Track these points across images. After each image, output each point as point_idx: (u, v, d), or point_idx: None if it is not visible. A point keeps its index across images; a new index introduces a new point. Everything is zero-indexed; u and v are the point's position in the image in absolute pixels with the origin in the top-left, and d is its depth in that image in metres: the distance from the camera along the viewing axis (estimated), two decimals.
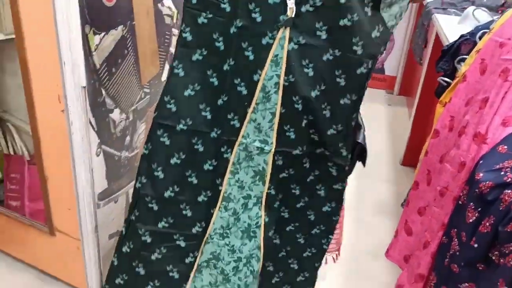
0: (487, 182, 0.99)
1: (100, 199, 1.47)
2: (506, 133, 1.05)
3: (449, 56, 1.62)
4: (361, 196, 2.36)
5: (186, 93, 1.20)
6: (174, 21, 1.75)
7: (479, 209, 1.01)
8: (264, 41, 1.15)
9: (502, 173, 0.99)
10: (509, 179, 0.96)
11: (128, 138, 1.58)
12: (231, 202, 1.28)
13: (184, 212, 1.28)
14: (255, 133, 1.23)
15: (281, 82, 1.17)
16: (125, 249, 1.30)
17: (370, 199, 2.35)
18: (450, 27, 2.07)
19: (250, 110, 1.20)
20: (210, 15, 1.15)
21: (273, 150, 1.23)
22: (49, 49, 1.25)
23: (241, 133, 1.22)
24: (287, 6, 1.11)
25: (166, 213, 1.27)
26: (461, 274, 1.08)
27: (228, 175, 1.26)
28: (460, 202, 1.11)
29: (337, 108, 1.19)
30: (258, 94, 1.19)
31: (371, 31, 1.13)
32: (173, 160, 1.23)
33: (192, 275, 1.34)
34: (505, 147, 1.03)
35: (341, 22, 1.11)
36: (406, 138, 2.67)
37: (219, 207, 1.28)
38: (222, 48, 1.17)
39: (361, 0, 1.10)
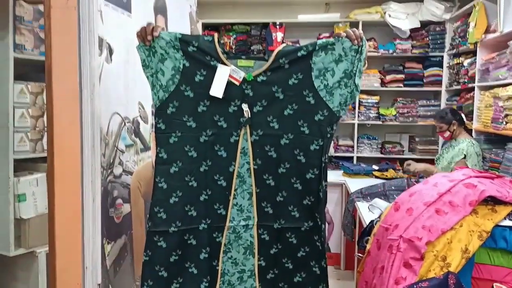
0: None
1: None
2: None
3: (363, 237, 2.22)
4: None
5: (171, 201, 1.46)
6: None
7: None
8: (232, 140, 1.48)
9: None
10: None
11: None
12: (226, 276, 1.49)
13: None
14: (238, 215, 1.50)
15: (252, 167, 1.48)
16: None
17: None
18: (366, 213, 2.74)
19: (231, 197, 1.49)
20: (180, 134, 1.46)
21: (255, 223, 1.49)
22: (74, 257, 1.70)
23: (228, 218, 1.49)
24: (243, 110, 1.47)
25: None
26: None
27: (221, 254, 1.50)
28: None
29: (305, 182, 1.48)
30: (235, 181, 1.48)
31: (314, 115, 1.46)
32: (172, 258, 1.46)
33: None
34: None
35: (285, 112, 1.47)
36: None
37: (219, 285, 1.52)
38: (195, 155, 1.47)
39: (300, 93, 1.46)
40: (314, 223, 1.50)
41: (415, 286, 1.52)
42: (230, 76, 1.48)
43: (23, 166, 2.13)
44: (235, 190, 1.50)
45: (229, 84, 1.48)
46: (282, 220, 1.50)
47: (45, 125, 2.07)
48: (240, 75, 1.48)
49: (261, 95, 1.49)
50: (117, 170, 1.83)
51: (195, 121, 1.47)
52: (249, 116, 1.47)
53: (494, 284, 1.50)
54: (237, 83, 1.48)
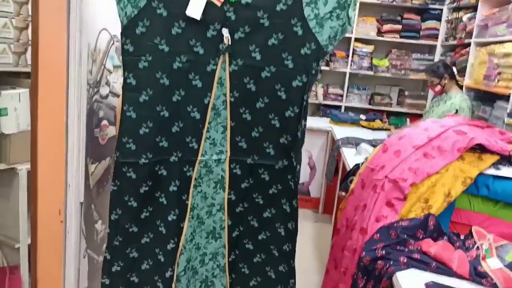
0: (367, 257, 1.49)
1: None
2: (378, 226, 1.59)
3: (347, 178, 2.24)
4: None
5: (141, 132, 1.35)
6: None
7: (365, 277, 1.50)
8: (208, 68, 1.34)
9: (376, 251, 1.50)
10: (379, 255, 1.47)
11: (104, 245, 1.94)
12: (195, 210, 1.44)
13: (160, 228, 1.42)
14: (211, 149, 1.41)
15: (228, 99, 1.37)
16: (115, 268, 1.45)
17: None
18: (351, 158, 2.75)
19: (204, 130, 1.39)
20: (150, 58, 1.31)
21: (228, 158, 1.41)
22: (56, 175, 1.68)
23: (200, 152, 1.41)
24: (223, 36, 1.31)
25: (146, 231, 1.43)
26: None
27: (191, 188, 1.43)
28: (355, 277, 1.59)
29: (283, 120, 1.38)
30: (209, 113, 1.37)
31: (300, 48, 1.32)
32: (142, 189, 1.39)
33: (173, 286, 1.47)
34: (378, 235, 1.56)
35: (269, 42, 1.32)
36: (329, 248, 3.18)
37: (188, 219, 1.46)
38: (167, 83, 1.33)
39: (287, 22, 1.31)
40: (288, 162, 1.42)
41: (395, 225, 1.55)
42: None
43: (4, 80, 2.05)
44: (209, 123, 1.39)
45: (209, 4, 1.31)
46: (255, 156, 1.42)
47: (30, 38, 1.98)
48: None
49: (244, 20, 1.33)
50: (104, 90, 1.77)
51: (168, 45, 1.32)
52: (229, 43, 1.32)
53: (473, 227, 1.53)
54: (218, 4, 1.32)
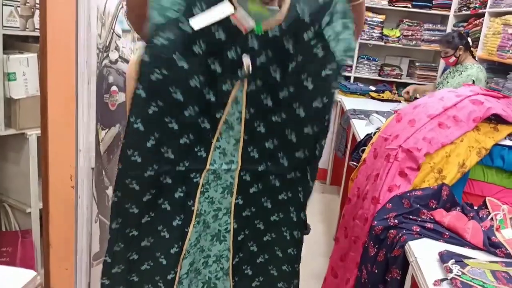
0: (379, 226, 1.49)
1: (93, 260, 1.80)
2: (391, 196, 1.58)
3: (359, 148, 2.22)
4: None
5: (148, 144, 1.26)
6: None
7: (376, 245, 1.50)
8: (224, 88, 1.24)
9: (388, 220, 1.50)
10: (392, 224, 1.47)
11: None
12: (202, 216, 1.38)
13: (162, 233, 1.36)
14: (220, 158, 1.33)
15: (243, 115, 1.28)
16: (115, 270, 1.38)
17: (307, 269, 2.77)
18: (361, 128, 2.73)
19: (214, 140, 1.29)
20: (166, 72, 1.20)
21: (239, 167, 1.34)
22: (67, 140, 1.67)
23: (208, 161, 1.32)
24: (243, 62, 1.20)
25: (147, 235, 1.37)
26: None
27: (198, 195, 1.35)
28: (366, 245, 1.59)
29: (301, 135, 1.30)
30: (221, 127, 1.29)
31: (321, 70, 1.24)
32: (145, 198, 1.32)
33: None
34: (390, 205, 1.55)
35: (289, 67, 1.24)
36: (337, 219, 3.19)
37: (194, 224, 1.38)
38: (181, 99, 1.23)
39: (307, 44, 1.22)
40: (302, 175, 1.36)
41: (408, 194, 1.54)
42: (235, 17, 1.18)
43: (12, 45, 2.01)
44: (220, 134, 1.30)
45: (233, 27, 1.19)
46: (268, 163, 1.35)
47: (37, 1, 1.93)
48: (249, 25, 1.20)
49: (267, 48, 1.23)
50: (113, 55, 1.74)
51: (187, 62, 1.21)
52: (250, 71, 1.22)
53: (487, 198, 1.52)
54: (243, 31, 1.20)
